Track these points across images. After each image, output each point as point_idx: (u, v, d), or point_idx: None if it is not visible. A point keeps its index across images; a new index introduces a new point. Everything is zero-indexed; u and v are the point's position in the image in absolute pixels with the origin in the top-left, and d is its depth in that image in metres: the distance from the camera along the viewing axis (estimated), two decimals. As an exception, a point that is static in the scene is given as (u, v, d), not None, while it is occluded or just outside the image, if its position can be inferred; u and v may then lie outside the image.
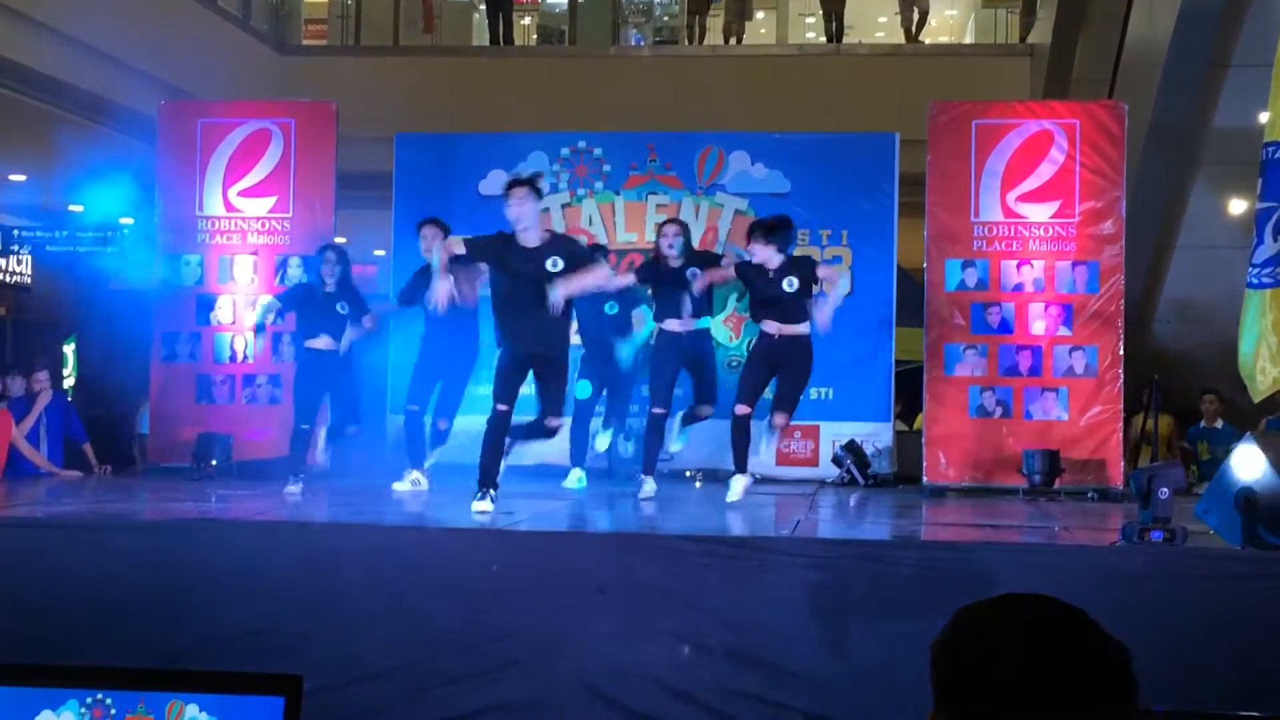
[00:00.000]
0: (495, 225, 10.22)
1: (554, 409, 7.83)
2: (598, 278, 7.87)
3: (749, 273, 8.44)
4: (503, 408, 7.66)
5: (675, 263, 8.70)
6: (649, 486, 8.53)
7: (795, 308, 8.27)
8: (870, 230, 10.74)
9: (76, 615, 5.98)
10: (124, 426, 11.66)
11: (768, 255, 8.25)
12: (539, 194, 7.78)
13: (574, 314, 8.48)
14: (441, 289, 7.92)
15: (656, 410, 8.60)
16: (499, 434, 7.68)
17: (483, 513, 7.35)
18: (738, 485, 8.33)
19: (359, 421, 9.34)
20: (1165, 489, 6.14)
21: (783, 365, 8.33)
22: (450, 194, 11.10)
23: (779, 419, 8.37)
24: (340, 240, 10.34)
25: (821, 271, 8.50)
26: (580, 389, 9.30)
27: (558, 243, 7.84)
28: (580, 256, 7.85)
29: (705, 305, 8.79)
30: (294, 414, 9.00)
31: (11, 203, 15.54)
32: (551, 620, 5.89)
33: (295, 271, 10.61)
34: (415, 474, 8.90)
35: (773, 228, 8.37)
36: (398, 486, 8.79)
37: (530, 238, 7.66)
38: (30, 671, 2.61)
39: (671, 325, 8.66)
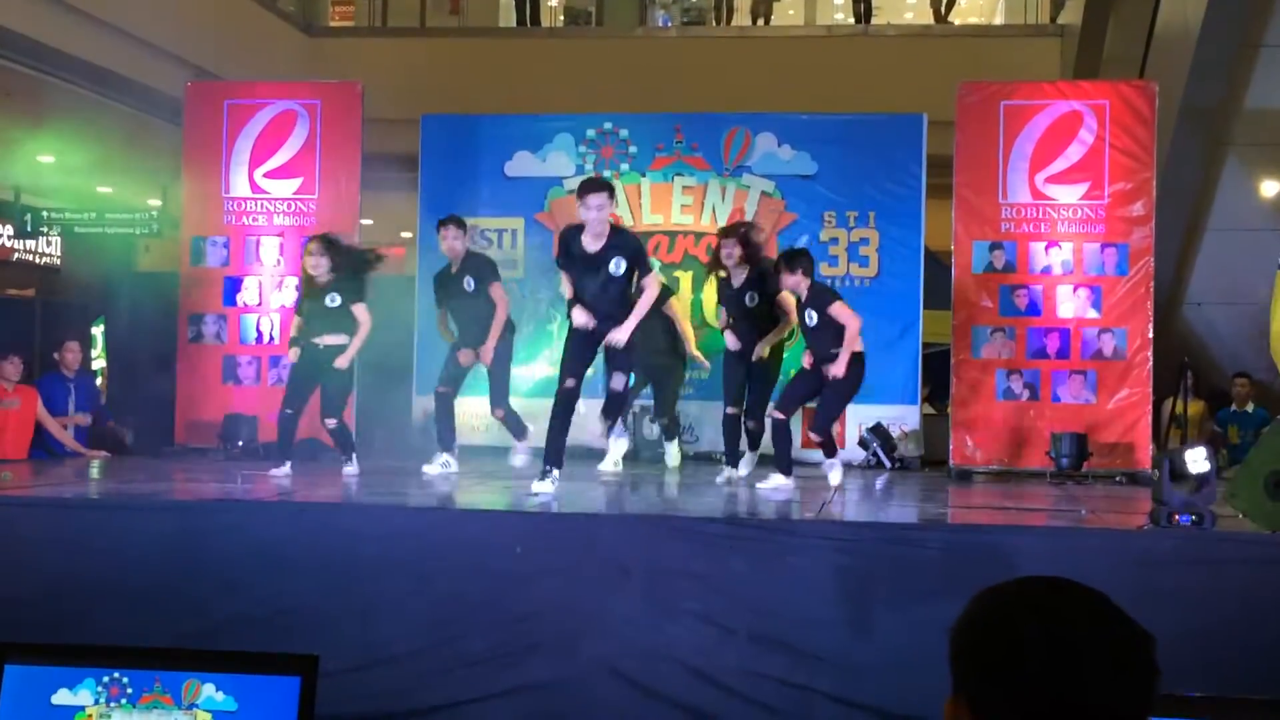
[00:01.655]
0: (519, 206, 10.26)
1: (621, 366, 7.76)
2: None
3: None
4: (571, 383, 7.65)
5: (737, 281, 8.74)
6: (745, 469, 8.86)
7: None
8: (898, 212, 10.68)
9: (101, 595, 5.99)
10: (151, 407, 11.68)
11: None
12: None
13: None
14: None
15: (729, 410, 8.81)
16: (567, 412, 7.66)
17: (541, 494, 7.29)
18: (777, 481, 8.38)
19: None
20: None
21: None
22: (476, 175, 11.11)
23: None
24: (366, 222, 10.32)
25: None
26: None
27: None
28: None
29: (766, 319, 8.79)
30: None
31: (40, 184, 15.60)
32: (575, 602, 5.88)
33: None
34: (445, 456, 8.87)
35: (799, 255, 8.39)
36: (428, 469, 8.77)
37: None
38: (47, 650, 2.61)
39: (731, 341, 8.76)
